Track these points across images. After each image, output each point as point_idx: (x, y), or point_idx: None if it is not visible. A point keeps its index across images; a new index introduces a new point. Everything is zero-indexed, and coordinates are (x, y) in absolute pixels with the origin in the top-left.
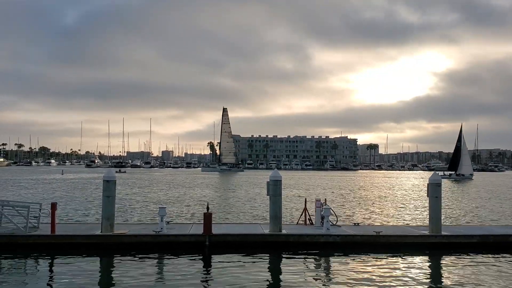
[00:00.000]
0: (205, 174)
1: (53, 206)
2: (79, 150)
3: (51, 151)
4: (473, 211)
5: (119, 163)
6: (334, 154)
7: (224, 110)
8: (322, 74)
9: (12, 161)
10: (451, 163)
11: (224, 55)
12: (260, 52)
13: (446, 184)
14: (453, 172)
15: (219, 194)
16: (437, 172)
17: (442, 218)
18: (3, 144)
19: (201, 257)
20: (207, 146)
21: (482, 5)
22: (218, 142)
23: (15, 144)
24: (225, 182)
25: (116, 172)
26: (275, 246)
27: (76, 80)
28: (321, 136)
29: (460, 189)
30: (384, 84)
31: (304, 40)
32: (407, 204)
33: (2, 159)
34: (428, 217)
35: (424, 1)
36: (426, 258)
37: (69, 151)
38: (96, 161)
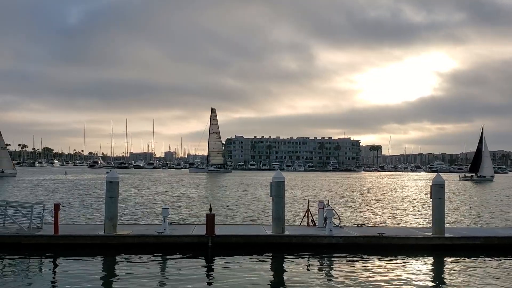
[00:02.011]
0: (192, 175)
1: (56, 206)
2: (82, 150)
3: (54, 151)
4: (484, 213)
5: (122, 163)
6: (337, 156)
7: (213, 111)
8: (327, 74)
9: (16, 162)
10: (472, 164)
11: (228, 55)
12: (264, 51)
13: (466, 185)
14: (474, 174)
15: (220, 195)
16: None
17: (453, 220)
18: (7, 145)
19: (203, 258)
20: None
21: (489, 4)
22: (221, 143)
23: (19, 144)
24: (212, 183)
25: (107, 172)
26: (278, 247)
27: (79, 80)
28: (324, 137)
29: (479, 191)
30: (389, 85)
31: (308, 40)
32: (410, 206)
33: None
34: (431, 218)
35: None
36: (429, 260)
37: (72, 152)
38: (99, 162)
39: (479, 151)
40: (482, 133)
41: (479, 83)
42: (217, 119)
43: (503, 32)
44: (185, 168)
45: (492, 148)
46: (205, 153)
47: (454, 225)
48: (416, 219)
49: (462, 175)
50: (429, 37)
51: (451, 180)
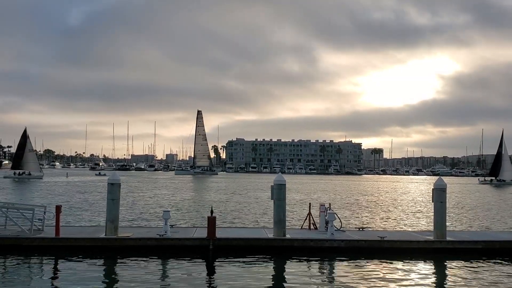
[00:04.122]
0: (178, 177)
1: (58, 208)
2: (83, 152)
3: (55, 153)
4: (494, 217)
5: (123, 166)
6: (339, 159)
7: (199, 113)
8: (330, 77)
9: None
10: (492, 168)
11: (230, 57)
12: (266, 53)
13: (485, 189)
14: (493, 178)
15: (220, 197)
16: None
17: (462, 223)
18: (8, 147)
19: (205, 261)
20: (211, 149)
21: (495, 6)
22: (222, 146)
23: None
24: (202, 186)
25: (96, 174)
26: (279, 250)
27: (81, 81)
28: (325, 140)
29: (497, 194)
30: (391, 87)
31: (311, 42)
32: (411, 209)
33: (7, 162)
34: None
35: (435, 1)
36: (431, 263)
37: (73, 154)
38: (101, 164)
39: (499, 155)
40: (502, 136)
41: (482, 86)
42: (203, 121)
43: (509, 34)
44: (186, 170)
45: (494, 151)
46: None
47: (465, 228)
48: (417, 223)
49: (482, 179)
50: (433, 39)
51: (470, 183)
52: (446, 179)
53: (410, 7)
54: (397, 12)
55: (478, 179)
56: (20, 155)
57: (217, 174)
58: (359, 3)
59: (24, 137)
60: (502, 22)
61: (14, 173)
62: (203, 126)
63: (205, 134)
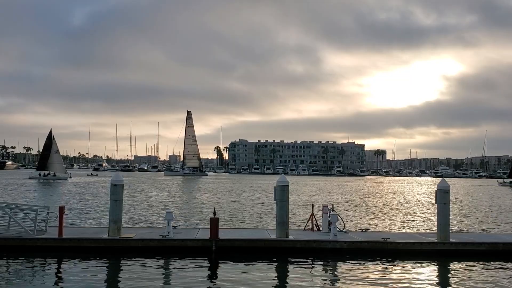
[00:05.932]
0: (168, 178)
1: (61, 209)
2: (86, 153)
3: None
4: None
5: (126, 166)
6: (341, 160)
7: (188, 114)
8: (334, 78)
9: (21, 164)
10: (511, 170)
11: (234, 58)
12: (270, 54)
13: (504, 191)
14: None
15: (220, 199)
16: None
17: (466, 225)
18: (12, 147)
19: (207, 262)
20: (214, 150)
21: (502, 6)
22: (225, 147)
23: (24, 147)
24: (189, 188)
25: (88, 175)
26: (282, 251)
27: (84, 82)
28: (328, 142)
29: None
30: (395, 88)
31: (315, 43)
32: (415, 211)
33: (10, 162)
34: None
35: (441, 1)
36: (434, 265)
37: (77, 155)
38: (104, 165)
39: None
40: None
41: (487, 87)
42: (192, 122)
43: None
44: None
45: (498, 153)
46: (210, 157)
47: (475, 229)
48: (421, 224)
49: (501, 180)
50: (438, 40)
51: (490, 185)
52: (449, 180)
53: (416, 8)
54: (402, 13)
55: (497, 181)
56: (46, 156)
57: (206, 175)
58: (364, 3)
59: (50, 138)
60: (509, 22)
61: (40, 174)
62: (193, 127)
63: (195, 135)
